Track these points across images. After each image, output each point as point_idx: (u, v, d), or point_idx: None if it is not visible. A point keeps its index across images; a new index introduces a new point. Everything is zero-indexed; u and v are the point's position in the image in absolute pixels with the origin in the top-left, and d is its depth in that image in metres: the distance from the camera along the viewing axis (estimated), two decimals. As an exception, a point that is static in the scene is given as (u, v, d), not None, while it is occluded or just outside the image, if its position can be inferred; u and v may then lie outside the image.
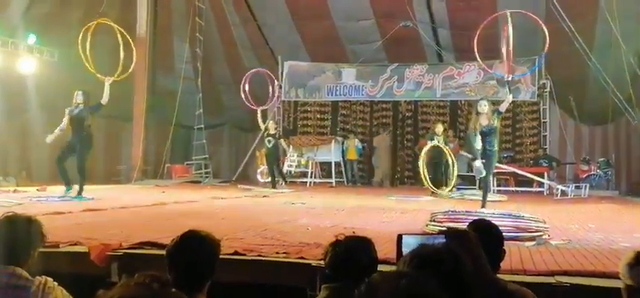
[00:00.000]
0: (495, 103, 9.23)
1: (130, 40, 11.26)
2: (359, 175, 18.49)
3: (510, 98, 8.93)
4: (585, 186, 14.12)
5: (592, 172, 15.42)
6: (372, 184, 17.97)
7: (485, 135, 8.54)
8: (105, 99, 9.94)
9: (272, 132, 14.27)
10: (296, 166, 17.18)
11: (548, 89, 16.32)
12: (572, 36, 12.74)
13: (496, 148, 8.72)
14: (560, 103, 16.73)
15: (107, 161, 16.45)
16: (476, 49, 9.01)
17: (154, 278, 1.50)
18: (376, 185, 17.86)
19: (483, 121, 8.53)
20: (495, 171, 14.67)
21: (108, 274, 4.09)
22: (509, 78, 9.22)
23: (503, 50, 8.94)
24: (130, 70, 10.86)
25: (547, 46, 8.74)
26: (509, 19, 8.67)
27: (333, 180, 17.18)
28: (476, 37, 9.11)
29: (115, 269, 4.08)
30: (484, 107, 8.60)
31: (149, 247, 4.39)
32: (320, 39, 17.34)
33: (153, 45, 16.56)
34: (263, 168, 15.95)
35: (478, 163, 8.52)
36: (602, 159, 15.80)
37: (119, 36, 10.56)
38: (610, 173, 15.65)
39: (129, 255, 4.24)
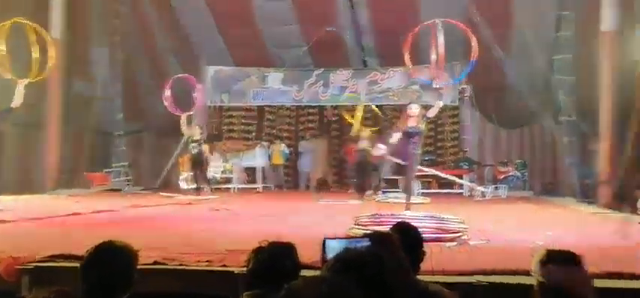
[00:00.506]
0: (425, 108, 9.37)
1: (48, 37, 10.74)
2: (285, 180, 18.47)
3: (440, 104, 9.14)
4: (503, 187, 14.64)
5: (510, 173, 15.99)
6: (300, 189, 17.99)
7: (411, 136, 8.71)
8: (16, 102, 9.41)
9: (197, 137, 14.04)
10: (221, 172, 16.98)
11: (468, 94, 16.82)
12: (490, 43, 13.19)
13: (419, 151, 8.91)
14: (480, 108, 17.27)
15: (19, 170, 15.67)
16: (407, 56, 9.06)
17: (59, 293, 1.41)
18: (304, 189, 17.89)
19: (411, 123, 8.70)
20: (418, 173, 15.04)
21: (18, 289, 3.87)
22: (438, 86, 9.47)
23: (433, 57, 9.03)
24: (46, 71, 10.33)
25: (476, 54, 8.78)
26: (440, 27, 8.75)
27: (259, 186, 17.08)
28: (406, 44, 9.14)
29: (25, 283, 3.88)
30: (415, 110, 8.78)
31: (62, 260, 4.19)
32: (244, 43, 17.19)
33: (68, 47, 15.92)
34: (187, 174, 15.66)
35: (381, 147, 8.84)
36: (519, 161, 16.44)
37: (35, 35, 10.07)
38: (526, 174, 16.28)
39: (41, 269, 4.04)
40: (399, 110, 15.34)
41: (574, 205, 11.74)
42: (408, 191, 9.19)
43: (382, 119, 17.24)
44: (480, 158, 17.37)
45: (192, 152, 13.93)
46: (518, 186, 15.81)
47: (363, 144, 13.86)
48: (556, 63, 13.68)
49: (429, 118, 8.98)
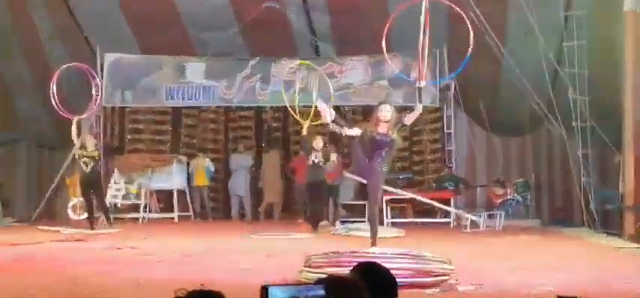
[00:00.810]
0: (400, 112, 9.33)
1: None
2: (211, 207, 18.34)
3: (420, 109, 9.12)
4: (500, 214, 14.87)
5: (508, 197, 16.25)
6: (232, 218, 17.89)
7: (378, 147, 8.71)
8: None
9: (90, 150, 13.84)
10: (123, 197, 16.74)
11: (452, 92, 17.00)
12: (480, 26, 13.39)
13: (387, 168, 8.94)
14: (468, 109, 17.52)
15: None
16: (384, 45, 9.01)
17: None
18: (237, 219, 17.79)
19: (381, 129, 8.72)
20: (389, 197, 15.17)
21: None
22: (422, 85, 9.36)
23: (420, 47, 8.83)
24: None
25: (471, 45, 8.73)
26: (424, 9, 8.55)
27: (175, 215, 16.93)
28: (385, 29, 9.06)
29: None
30: (386, 113, 8.78)
31: None
32: (154, 23, 16.98)
33: None
34: (77, 200, 15.39)
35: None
36: (519, 180, 16.68)
37: None
38: (529, 197, 16.57)
39: None
40: (364, 113, 15.42)
41: (592, 237, 12.00)
42: (373, 221, 9.22)
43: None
44: (470, 176, 17.61)
45: (85, 170, 13.71)
46: (520, 213, 16.10)
47: (317, 157, 13.90)
48: (566, 51, 13.98)
49: (405, 126, 9.04)
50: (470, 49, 8.65)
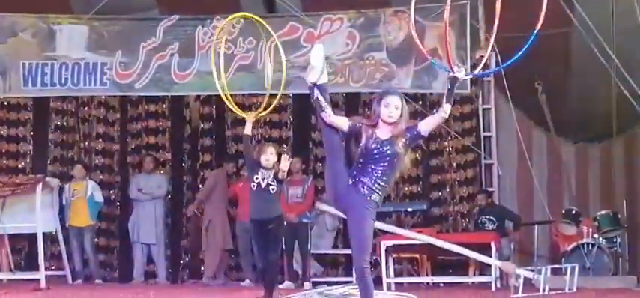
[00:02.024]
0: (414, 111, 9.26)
1: None
2: (100, 262, 18.30)
3: (447, 112, 8.81)
4: (571, 268, 14.92)
5: (584, 239, 16.31)
6: (133, 280, 17.86)
7: (376, 160, 8.67)
8: None
9: None
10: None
11: (492, 74, 17.04)
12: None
13: (379, 198, 8.83)
14: (519, 100, 17.59)
15: None
16: None
17: None
18: (142, 281, 17.78)
19: (381, 133, 8.65)
20: (391, 240, 15.19)
21: None
22: (460, 74, 8.98)
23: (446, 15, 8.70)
24: None
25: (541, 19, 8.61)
26: None
27: (41, 275, 16.84)
28: None
29: None
30: (396, 110, 8.63)
31: None
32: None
33: None
34: None
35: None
36: (603, 213, 16.72)
37: None
38: (619, 240, 16.63)
39: None
40: (349, 106, 15.47)
41: None
42: (363, 281, 9.19)
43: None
44: (523, 207, 17.73)
45: None
46: (604, 267, 16.14)
47: (265, 178, 13.72)
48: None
49: (421, 138, 8.88)
50: (538, 23, 8.43)
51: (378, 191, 8.57)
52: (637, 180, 17.45)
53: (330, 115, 8.58)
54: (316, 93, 8.76)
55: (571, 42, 16.05)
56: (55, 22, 17.64)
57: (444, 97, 8.34)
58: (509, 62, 10.26)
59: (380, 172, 8.55)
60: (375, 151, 8.50)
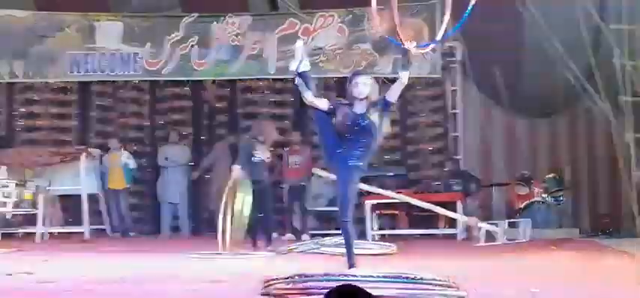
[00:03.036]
0: (379, 82, 9.21)
1: None
2: (134, 218, 18.32)
3: (405, 78, 8.85)
4: (524, 222, 14.96)
5: (535, 198, 16.34)
6: (162, 233, 17.87)
7: (356, 132, 8.68)
8: None
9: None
10: (14, 205, 16.60)
11: (458, 58, 17.07)
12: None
13: (364, 163, 8.86)
14: (480, 82, 17.59)
15: None
16: None
17: None
18: (170, 235, 17.77)
19: (357, 108, 8.68)
20: (375, 200, 15.23)
21: None
22: (413, 48, 9.05)
23: None
24: None
25: None
26: None
27: (85, 229, 16.85)
28: None
29: None
30: (364, 87, 8.67)
31: None
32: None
33: None
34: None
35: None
36: (550, 176, 16.75)
37: None
38: (563, 198, 16.68)
39: None
40: (339, 88, 15.48)
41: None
42: (346, 232, 9.17)
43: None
44: (484, 172, 17.74)
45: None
46: (551, 221, 16.17)
47: (262, 153, 13.66)
48: (611, 1, 14.08)
49: (390, 106, 8.92)
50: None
51: (361, 157, 8.63)
52: (578, 149, 17.49)
53: (308, 97, 8.70)
54: (297, 80, 8.88)
55: (522, 33, 16.00)
56: (95, 18, 17.72)
57: (400, 67, 8.61)
58: (434, 42, 10.43)
59: (363, 142, 8.61)
60: (354, 125, 8.56)
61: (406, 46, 8.41)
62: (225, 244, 12.41)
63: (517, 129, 18.02)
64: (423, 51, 10.13)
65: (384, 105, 8.60)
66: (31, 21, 17.77)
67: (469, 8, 8.59)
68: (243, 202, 12.87)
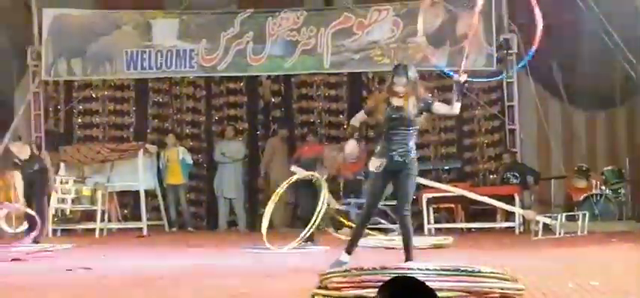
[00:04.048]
0: (422, 86, 9.23)
1: None
2: (191, 213, 18.45)
3: (457, 109, 9.07)
4: (583, 215, 14.84)
5: (593, 191, 16.22)
6: (219, 228, 17.99)
7: (395, 125, 8.75)
8: None
9: (23, 153, 13.91)
10: (74, 201, 16.77)
11: (514, 50, 16.99)
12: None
13: (411, 155, 8.90)
14: (537, 74, 17.49)
15: None
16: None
17: None
18: (226, 229, 17.87)
19: (396, 102, 8.75)
20: (431, 194, 15.22)
21: None
22: (462, 80, 9.15)
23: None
24: None
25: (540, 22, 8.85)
26: None
27: (143, 225, 16.99)
28: None
29: None
30: (399, 85, 8.76)
31: None
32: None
33: None
34: (14, 206, 15.36)
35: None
36: (609, 169, 16.62)
37: None
38: (623, 191, 16.56)
39: None
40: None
41: None
42: (404, 227, 9.21)
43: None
44: (541, 165, 17.64)
45: (25, 169, 13.81)
46: (610, 213, 16.02)
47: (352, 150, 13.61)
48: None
49: (430, 112, 9.00)
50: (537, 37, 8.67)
51: (407, 152, 8.72)
52: (637, 141, 17.32)
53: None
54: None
55: (581, 25, 15.90)
56: (151, 16, 17.87)
57: (454, 97, 8.85)
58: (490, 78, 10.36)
59: (401, 135, 8.69)
60: (393, 117, 8.67)
61: (461, 79, 8.71)
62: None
63: (575, 122, 17.90)
64: (476, 85, 10.20)
65: (426, 109, 8.84)
66: (88, 20, 17.97)
67: (531, 51, 8.82)
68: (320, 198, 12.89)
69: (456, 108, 8.89)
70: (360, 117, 9.34)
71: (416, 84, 8.80)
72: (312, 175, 12.63)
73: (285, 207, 17.80)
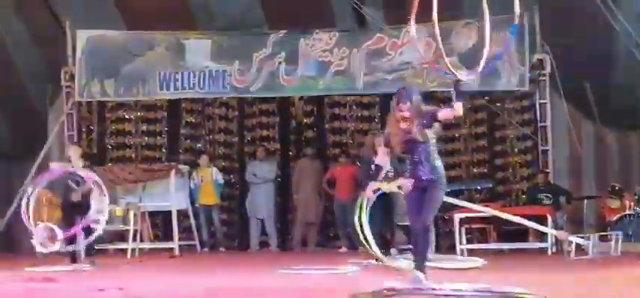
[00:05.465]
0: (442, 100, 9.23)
1: None
2: (223, 233, 18.48)
3: (459, 110, 8.86)
4: (616, 235, 14.74)
5: (627, 211, 16.11)
6: (251, 248, 18.02)
7: (410, 148, 8.78)
8: None
9: (76, 160, 14.02)
10: (106, 221, 16.82)
11: (547, 70, 16.94)
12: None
13: (436, 169, 8.86)
14: (569, 94, 17.42)
15: None
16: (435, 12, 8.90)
17: None
18: (258, 250, 17.89)
19: (404, 125, 8.77)
20: (462, 214, 15.16)
21: None
22: (462, 77, 9.03)
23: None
24: None
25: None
26: None
27: (175, 245, 17.03)
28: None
29: None
30: (407, 102, 8.78)
31: None
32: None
33: None
34: (49, 226, 15.37)
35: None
36: (643, 189, 16.58)
37: None
38: (657, 211, 16.43)
39: None
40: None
41: None
42: (420, 245, 9.11)
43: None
44: (574, 185, 17.54)
45: (72, 187, 13.93)
46: (646, 234, 15.96)
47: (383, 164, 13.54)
48: None
49: (437, 120, 8.89)
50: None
51: (428, 169, 8.70)
52: (608, 160, 17.37)
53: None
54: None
55: (613, 45, 15.85)
56: (184, 37, 17.93)
57: (454, 97, 8.66)
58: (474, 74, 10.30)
59: (418, 155, 8.70)
60: (406, 141, 8.71)
61: (457, 76, 8.56)
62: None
63: (607, 142, 17.82)
64: (472, 78, 10.02)
65: (432, 119, 8.74)
66: (122, 40, 18.05)
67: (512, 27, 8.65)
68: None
69: (459, 108, 8.65)
70: (381, 155, 9.37)
71: (419, 106, 8.79)
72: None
73: (312, 225, 17.91)
